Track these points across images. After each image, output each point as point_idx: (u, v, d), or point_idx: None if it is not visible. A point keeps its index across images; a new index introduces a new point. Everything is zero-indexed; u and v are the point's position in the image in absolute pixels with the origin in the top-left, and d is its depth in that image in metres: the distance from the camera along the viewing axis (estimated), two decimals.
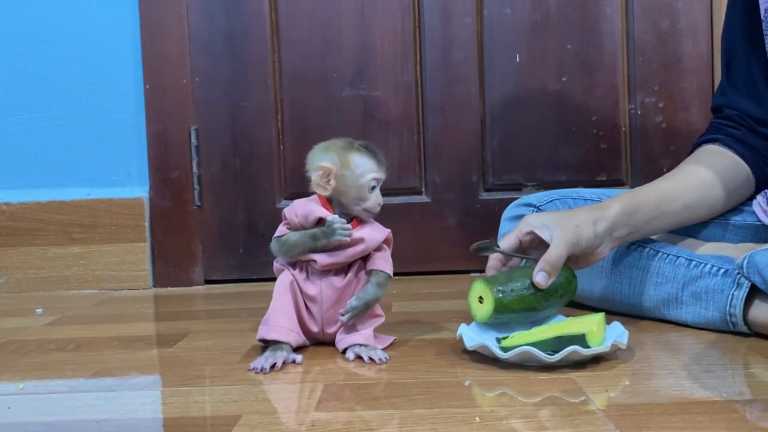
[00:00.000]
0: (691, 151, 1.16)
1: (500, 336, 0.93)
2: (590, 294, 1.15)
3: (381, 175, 0.97)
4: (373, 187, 0.96)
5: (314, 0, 1.65)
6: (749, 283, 0.95)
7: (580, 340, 0.85)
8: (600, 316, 0.91)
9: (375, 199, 0.97)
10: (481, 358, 0.90)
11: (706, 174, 1.08)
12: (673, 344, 0.97)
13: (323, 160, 0.96)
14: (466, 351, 0.92)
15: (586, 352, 0.85)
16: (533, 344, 0.85)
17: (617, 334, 0.90)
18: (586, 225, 0.97)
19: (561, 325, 0.91)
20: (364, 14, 1.65)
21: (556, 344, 0.85)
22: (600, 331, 0.88)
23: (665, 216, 1.04)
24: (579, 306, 1.20)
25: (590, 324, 0.88)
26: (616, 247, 1.05)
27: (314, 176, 0.96)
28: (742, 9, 1.12)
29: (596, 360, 0.88)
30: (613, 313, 1.14)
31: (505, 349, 0.86)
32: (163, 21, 1.63)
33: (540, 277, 0.92)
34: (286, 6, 1.65)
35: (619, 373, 0.84)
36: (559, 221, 0.97)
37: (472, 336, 0.93)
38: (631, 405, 0.74)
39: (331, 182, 0.95)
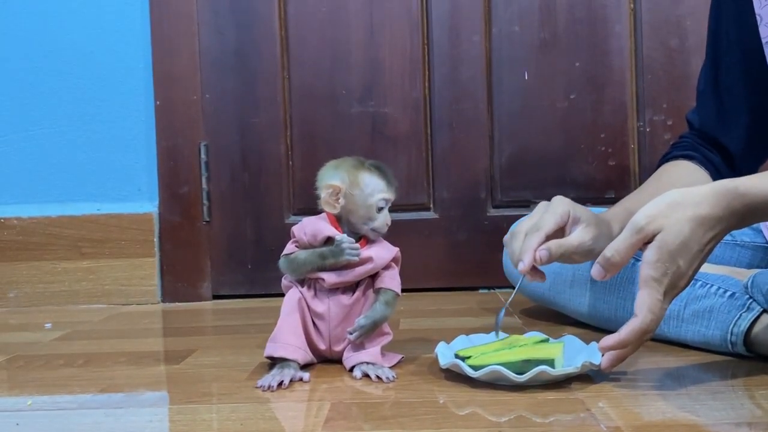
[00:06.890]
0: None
1: (461, 350, 0.92)
2: (581, 310, 1.14)
3: (390, 195, 0.97)
4: (381, 208, 0.96)
5: (324, 17, 1.66)
6: (761, 309, 0.95)
7: (549, 365, 0.85)
8: (561, 345, 0.91)
9: (383, 220, 0.97)
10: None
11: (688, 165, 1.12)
12: (679, 367, 0.97)
13: (333, 179, 0.96)
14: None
15: (555, 373, 0.85)
16: (502, 364, 0.85)
17: (591, 353, 0.90)
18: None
19: (527, 349, 0.91)
20: (373, 32, 1.66)
21: (523, 367, 0.85)
22: (561, 359, 0.88)
23: None
24: (567, 323, 1.19)
25: (555, 351, 0.88)
26: None
27: (324, 194, 0.96)
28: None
29: (605, 380, 0.88)
30: (605, 331, 1.13)
31: (475, 368, 0.86)
32: (174, 38, 1.65)
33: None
34: (296, 23, 1.66)
35: (629, 395, 0.84)
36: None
37: (447, 354, 0.93)
38: (641, 426, 0.73)
39: (340, 201, 0.96)
